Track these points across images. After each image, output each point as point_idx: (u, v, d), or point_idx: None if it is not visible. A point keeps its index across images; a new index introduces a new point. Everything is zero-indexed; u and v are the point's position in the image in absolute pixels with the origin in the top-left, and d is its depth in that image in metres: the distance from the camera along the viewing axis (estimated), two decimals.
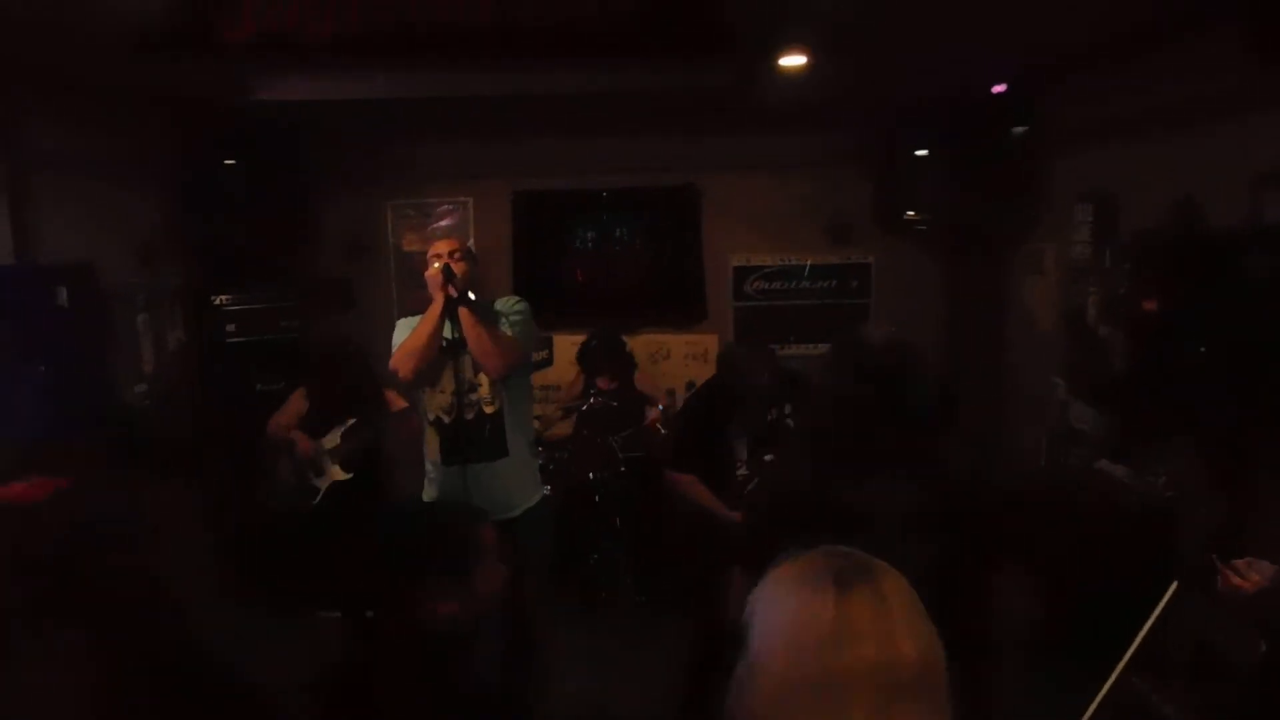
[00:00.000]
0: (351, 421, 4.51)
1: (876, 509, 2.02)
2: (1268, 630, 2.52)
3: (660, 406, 5.65)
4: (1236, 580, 2.47)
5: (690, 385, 6.53)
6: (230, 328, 5.61)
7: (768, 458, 3.92)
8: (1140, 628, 3.05)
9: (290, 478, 4.55)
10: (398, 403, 4.52)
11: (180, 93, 4.85)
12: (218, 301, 5.60)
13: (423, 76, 4.43)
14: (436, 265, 3.33)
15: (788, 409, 4.00)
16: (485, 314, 3.37)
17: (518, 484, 3.49)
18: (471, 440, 3.36)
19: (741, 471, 3.94)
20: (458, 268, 3.30)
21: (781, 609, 1.17)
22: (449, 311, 3.26)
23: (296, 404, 4.62)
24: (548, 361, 6.47)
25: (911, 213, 5.91)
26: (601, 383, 5.57)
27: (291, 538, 4.62)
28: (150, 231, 5.30)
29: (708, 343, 6.55)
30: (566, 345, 6.32)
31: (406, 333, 3.39)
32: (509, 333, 3.39)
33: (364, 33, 3.85)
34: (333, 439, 4.51)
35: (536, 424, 5.66)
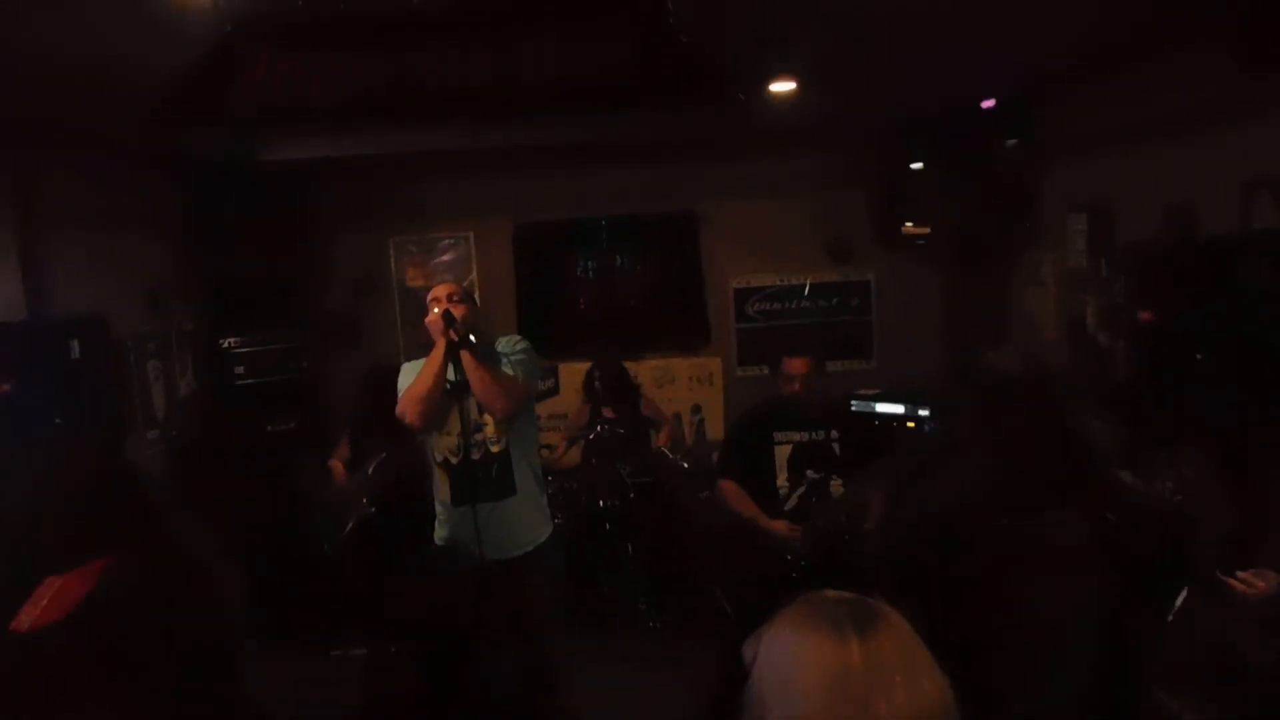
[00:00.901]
0: (382, 455, 4.57)
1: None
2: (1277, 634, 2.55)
3: (668, 429, 5.70)
4: (1242, 588, 2.51)
5: (696, 409, 6.58)
6: (239, 369, 5.67)
7: (809, 474, 4.03)
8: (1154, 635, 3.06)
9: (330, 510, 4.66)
10: None
11: (188, 153, 4.97)
12: (225, 344, 5.66)
13: (423, 133, 4.53)
14: (436, 311, 3.34)
15: (835, 433, 4.13)
16: (487, 355, 3.38)
17: (527, 521, 3.49)
18: (479, 480, 3.36)
19: (782, 484, 4.05)
20: (457, 311, 3.32)
21: (802, 657, 1.15)
22: (451, 355, 3.28)
23: (344, 443, 4.75)
24: (554, 391, 6.51)
25: (910, 224, 5.95)
26: (607, 411, 5.60)
27: (313, 574, 4.68)
28: (159, 277, 5.37)
29: (712, 366, 6.59)
30: (572, 374, 6.36)
31: (411, 377, 3.41)
32: (512, 372, 3.40)
33: (365, 97, 3.92)
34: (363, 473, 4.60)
35: (546, 453, 5.70)
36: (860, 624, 1.15)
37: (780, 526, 3.91)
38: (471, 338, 3.29)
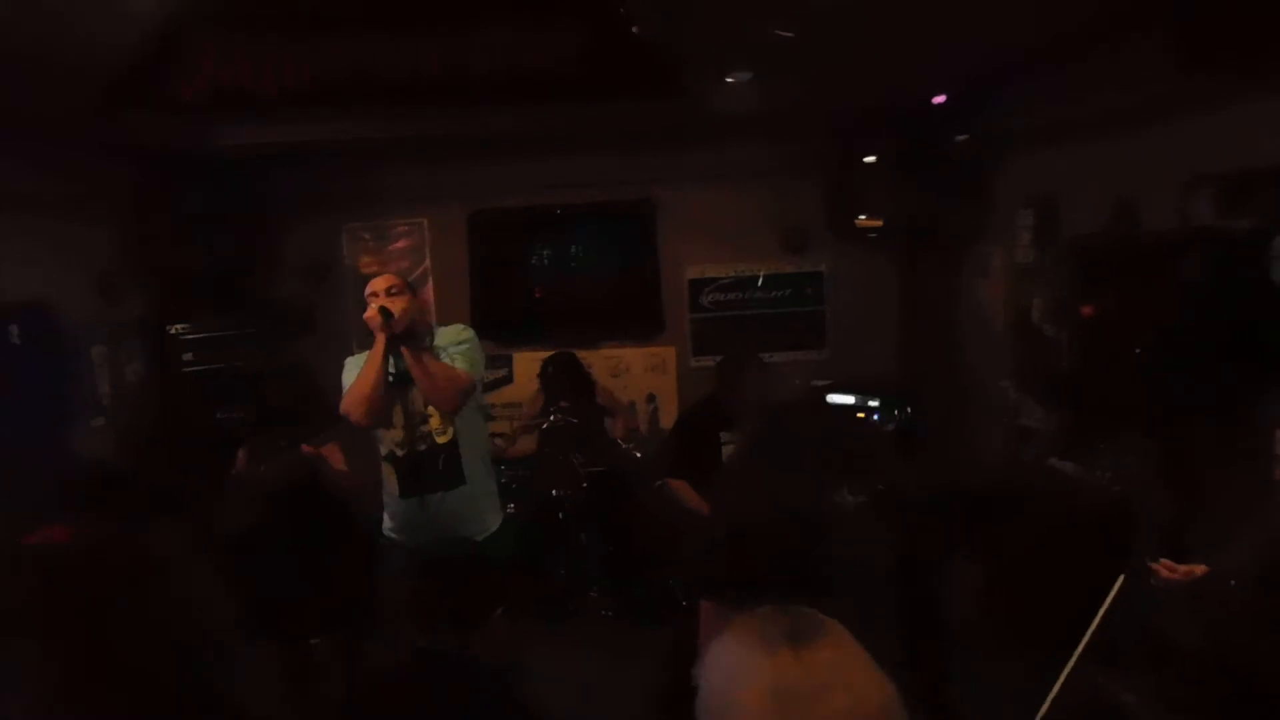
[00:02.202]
0: (279, 451, 4.46)
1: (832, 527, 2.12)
2: (1204, 619, 2.65)
3: (623, 420, 5.72)
4: (1165, 574, 2.60)
5: (650, 398, 6.60)
6: (187, 356, 5.58)
7: None
8: (1093, 619, 3.15)
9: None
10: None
11: (138, 139, 4.87)
12: (174, 330, 5.56)
13: (374, 121, 4.50)
14: (374, 307, 3.28)
15: None
16: (429, 348, 3.34)
17: (477, 511, 3.48)
18: (426, 472, 3.34)
19: None
20: (395, 305, 3.26)
21: (737, 673, 1.16)
22: (391, 350, 3.25)
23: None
24: (508, 379, 6.50)
25: (863, 216, 6.01)
26: (561, 401, 5.60)
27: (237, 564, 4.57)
28: (107, 264, 5.27)
29: (666, 355, 6.62)
30: (527, 362, 6.36)
31: (354, 371, 3.36)
32: (456, 364, 3.36)
33: (315, 85, 3.88)
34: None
35: (500, 441, 5.69)
36: (796, 638, 1.16)
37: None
38: (412, 331, 3.24)
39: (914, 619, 3.11)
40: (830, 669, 1.14)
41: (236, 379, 5.55)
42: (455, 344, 3.43)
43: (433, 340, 3.44)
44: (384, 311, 3.22)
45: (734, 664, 1.18)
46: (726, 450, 4.13)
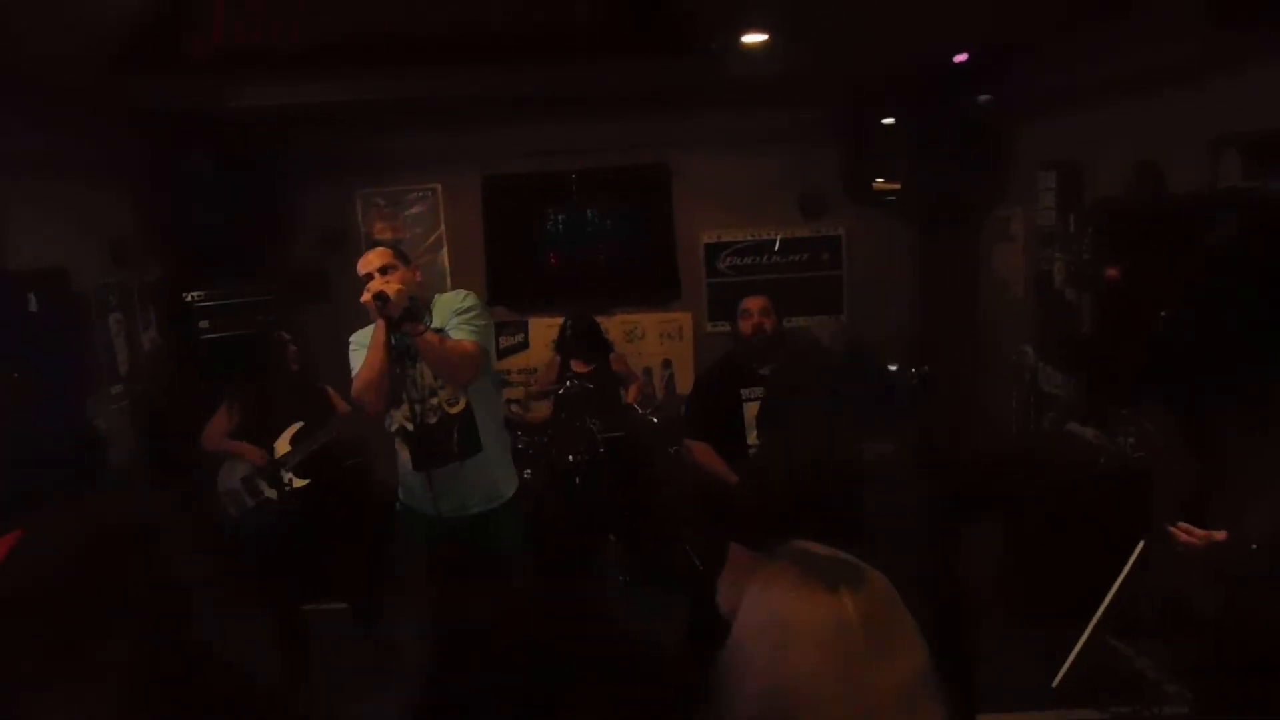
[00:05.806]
0: (298, 426, 4.33)
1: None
2: (1223, 585, 2.62)
3: (638, 385, 5.70)
4: (1185, 538, 2.58)
5: (666, 364, 6.59)
6: (204, 324, 5.59)
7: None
8: (1111, 586, 3.14)
9: (238, 489, 4.33)
10: (341, 404, 4.38)
11: (151, 100, 4.83)
12: (190, 298, 5.57)
13: (387, 81, 4.45)
14: (369, 291, 3.10)
15: None
16: (431, 327, 3.20)
17: (492, 478, 3.43)
18: (439, 444, 3.27)
19: (752, 442, 4.03)
20: (390, 286, 3.08)
21: (795, 612, 1.10)
22: (393, 332, 3.12)
23: (224, 414, 4.40)
24: (523, 345, 6.49)
25: (881, 180, 5.94)
26: (577, 366, 5.59)
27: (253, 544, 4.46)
28: (122, 230, 5.26)
29: (682, 320, 6.58)
30: (542, 328, 6.35)
31: (360, 351, 3.26)
32: (461, 334, 3.23)
33: (328, 42, 3.83)
34: (283, 444, 4.29)
35: (516, 408, 5.69)
36: (852, 581, 1.11)
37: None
38: (412, 310, 3.09)
39: (936, 581, 3.12)
40: (884, 616, 1.10)
41: (252, 346, 5.56)
42: (459, 313, 3.29)
43: (431, 316, 3.30)
44: (379, 296, 3.06)
45: (790, 603, 1.11)
46: (750, 409, 4.08)
